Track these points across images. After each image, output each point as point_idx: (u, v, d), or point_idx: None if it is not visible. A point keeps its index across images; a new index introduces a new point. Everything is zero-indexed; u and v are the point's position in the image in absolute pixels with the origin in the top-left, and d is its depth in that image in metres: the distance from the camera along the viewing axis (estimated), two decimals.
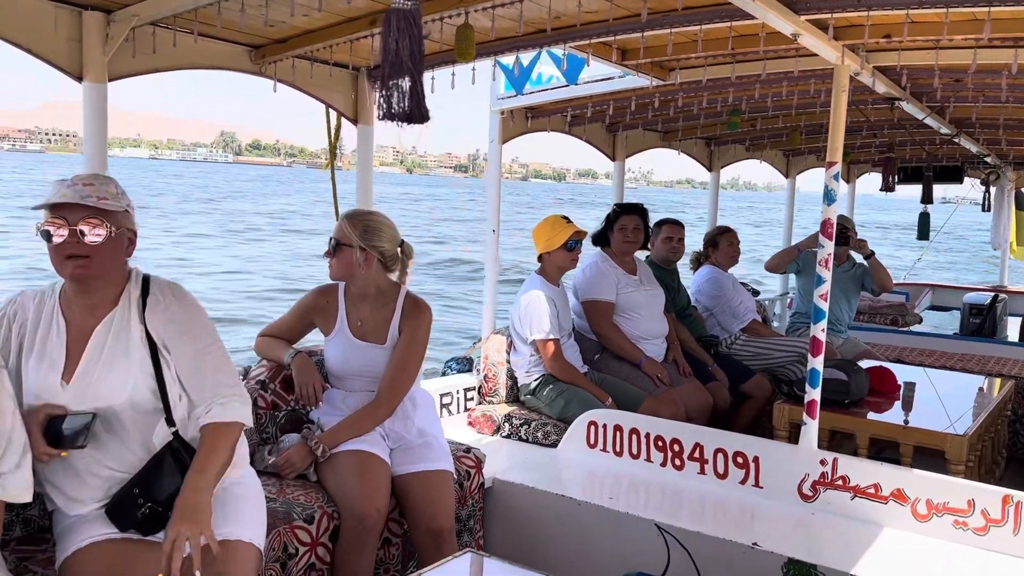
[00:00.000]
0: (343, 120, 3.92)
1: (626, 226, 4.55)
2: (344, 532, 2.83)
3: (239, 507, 2.37)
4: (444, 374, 4.56)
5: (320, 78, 3.68)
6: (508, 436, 4.14)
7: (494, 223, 4.56)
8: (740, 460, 3.43)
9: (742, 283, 5.65)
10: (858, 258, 5.84)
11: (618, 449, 3.71)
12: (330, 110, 3.86)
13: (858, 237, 5.69)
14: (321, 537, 2.81)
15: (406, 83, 1.98)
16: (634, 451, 3.68)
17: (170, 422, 2.29)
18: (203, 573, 2.08)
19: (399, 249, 3.17)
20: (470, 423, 4.28)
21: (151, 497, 2.21)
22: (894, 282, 6.16)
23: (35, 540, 2.50)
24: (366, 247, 3.06)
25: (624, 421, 3.72)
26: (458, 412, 4.39)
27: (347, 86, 3.86)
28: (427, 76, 3.87)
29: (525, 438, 4.09)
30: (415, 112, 2.03)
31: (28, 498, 2.08)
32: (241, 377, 3.26)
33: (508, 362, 4.37)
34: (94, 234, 2.14)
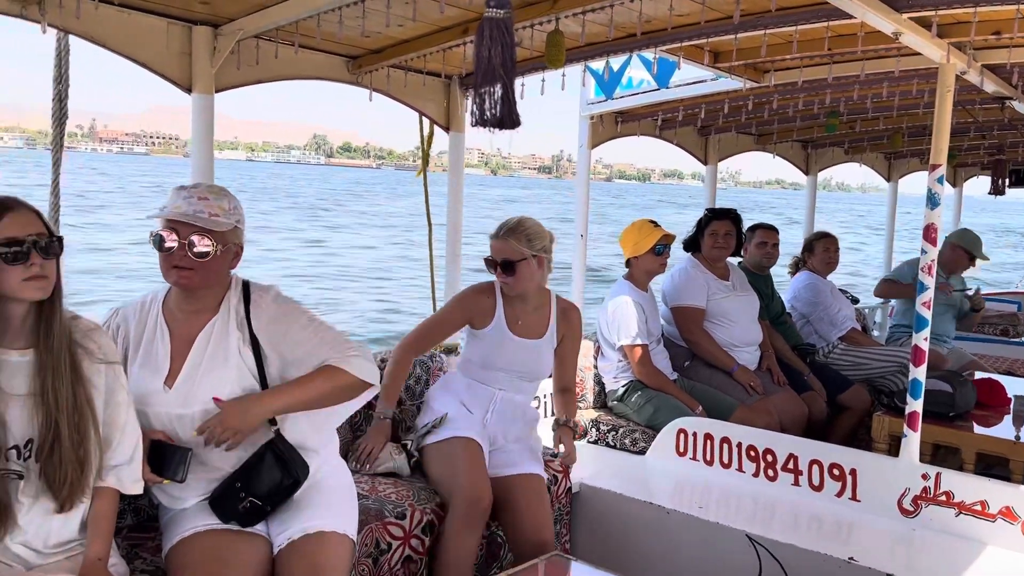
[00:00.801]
0: (435, 127, 4.00)
1: (717, 231, 4.47)
2: (455, 518, 2.86)
3: (332, 499, 2.44)
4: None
5: (414, 87, 3.77)
6: (595, 442, 4.13)
7: (582, 228, 4.56)
8: (836, 472, 3.33)
9: (841, 290, 5.46)
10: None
11: (708, 458, 3.65)
12: (423, 118, 3.94)
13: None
14: (414, 530, 2.86)
15: (498, 90, 2.01)
16: (725, 460, 3.61)
17: (271, 420, 2.38)
18: (299, 563, 2.22)
19: None
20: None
21: (252, 491, 2.30)
22: (1006, 291, 5.89)
23: (144, 528, 2.64)
24: (537, 253, 3.18)
25: (715, 430, 3.66)
26: (545, 416, 4.38)
27: (439, 94, 3.94)
28: (517, 82, 3.90)
29: (612, 444, 4.07)
30: (507, 118, 2.05)
31: (140, 490, 2.20)
32: None
33: (595, 367, 4.36)
34: (202, 245, 2.24)
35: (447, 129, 4.00)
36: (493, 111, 2.03)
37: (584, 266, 4.67)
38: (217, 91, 3.14)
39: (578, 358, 3.52)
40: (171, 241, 2.24)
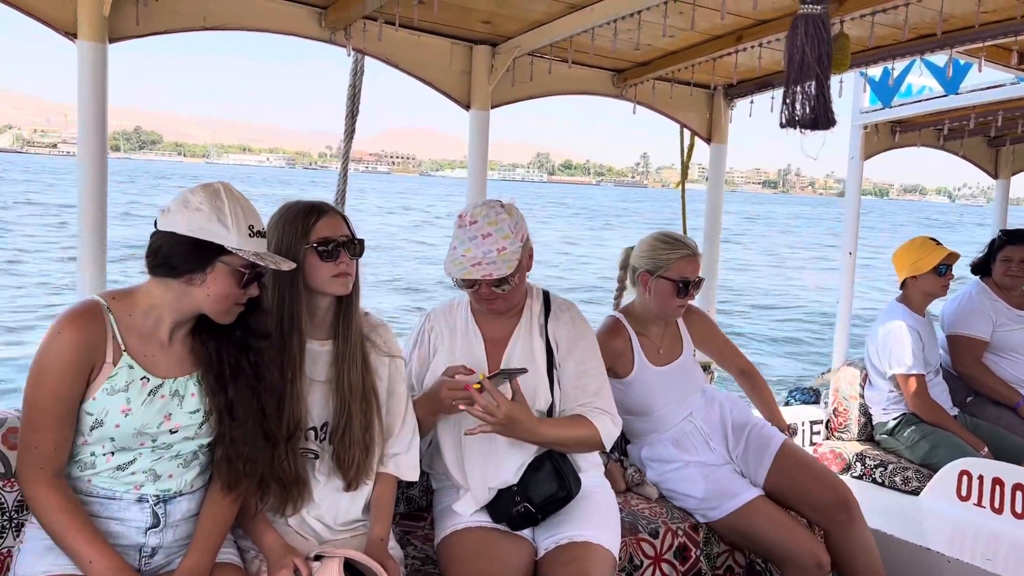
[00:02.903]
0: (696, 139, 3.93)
1: (1011, 257, 4.00)
2: None
3: (599, 513, 2.45)
4: (787, 404, 4.34)
5: (678, 98, 3.73)
6: (860, 477, 3.83)
7: (851, 245, 4.27)
8: None
9: None
10: None
11: (997, 505, 3.25)
12: (683, 130, 3.89)
13: None
14: (665, 554, 2.80)
15: (811, 88, 1.91)
16: (1018, 510, 3.19)
17: None
18: (565, 568, 2.23)
19: None
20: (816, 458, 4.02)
21: (527, 497, 2.36)
22: None
23: (415, 517, 2.80)
24: None
25: (1007, 474, 3.25)
26: (803, 445, 4.15)
27: (702, 105, 3.87)
28: (771, 94, 3.76)
29: (880, 481, 3.75)
30: (821, 118, 1.95)
31: (415, 477, 2.32)
32: None
33: (862, 397, 4.05)
34: (499, 286, 2.34)
35: (708, 140, 3.92)
36: (805, 110, 1.93)
37: (852, 287, 4.37)
38: (492, 107, 3.28)
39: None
40: (471, 285, 2.37)
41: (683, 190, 3.98)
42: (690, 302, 3.05)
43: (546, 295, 2.55)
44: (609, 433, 2.41)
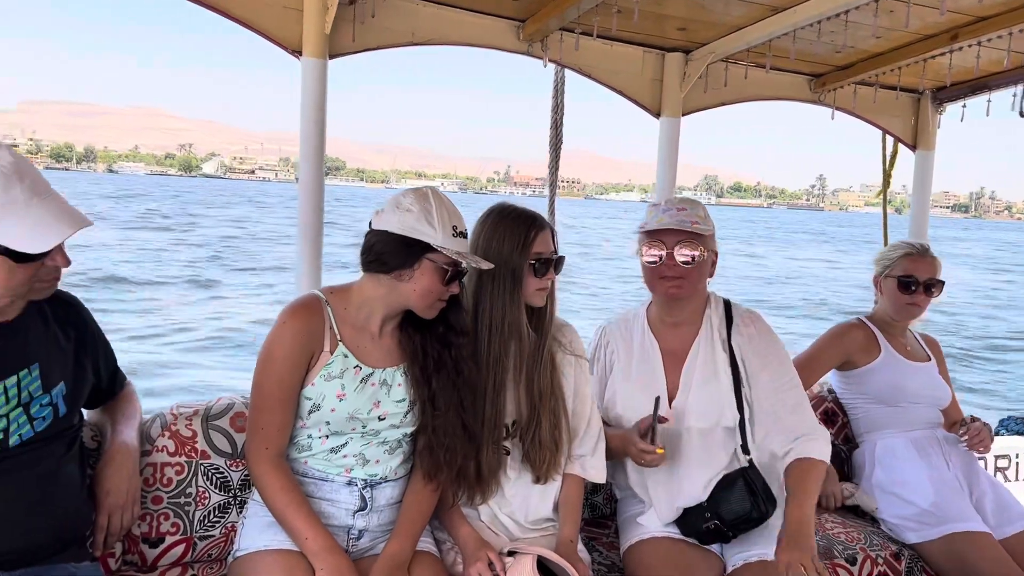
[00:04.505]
0: (899, 147, 3.72)
1: None
2: None
3: None
4: (999, 433, 3.96)
5: (883, 103, 3.54)
6: None
7: None
8: None
9: None
10: None
11: None
12: (886, 136, 3.69)
13: None
14: None
15: None
16: None
17: (745, 450, 2.35)
18: None
19: None
20: None
21: (718, 515, 2.29)
22: None
23: (598, 524, 2.78)
24: None
25: None
26: (1016, 479, 3.77)
27: (907, 111, 3.67)
28: (987, 96, 3.49)
29: None
30: None
31: (602, 480, 2.32)
32: None
33: None
34: (688, 252, 2.31)
35: (913, 148, 3.70)
36: None
37: None
38: (683, 114, 3.26)
39: None
40: (658, 252, 2.33)
41: (884, 199, 3.76)
42: (931, 334, 3.12)
43: (727, 305, 2.46)
44: (828, 454, 2.30)
